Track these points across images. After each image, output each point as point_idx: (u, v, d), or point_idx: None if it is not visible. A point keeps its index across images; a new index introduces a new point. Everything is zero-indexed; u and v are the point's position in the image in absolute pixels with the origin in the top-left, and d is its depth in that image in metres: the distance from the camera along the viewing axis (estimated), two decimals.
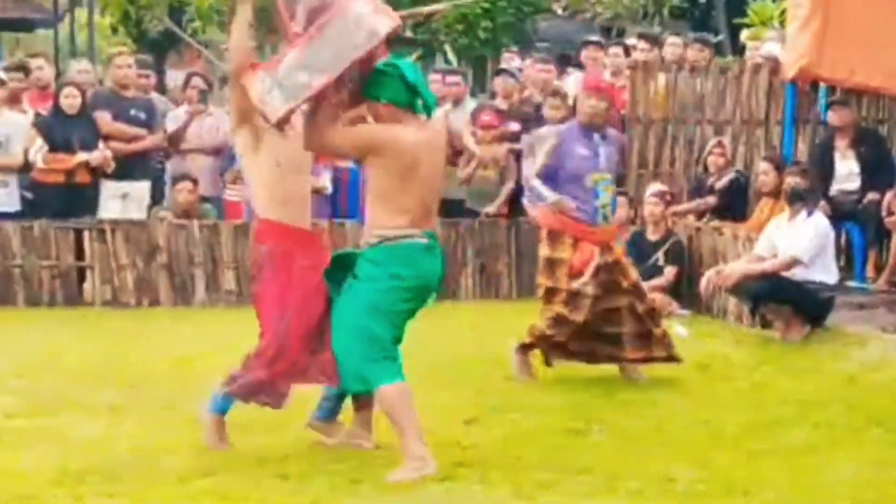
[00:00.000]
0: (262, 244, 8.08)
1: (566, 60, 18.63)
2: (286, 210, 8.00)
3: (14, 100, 14.77)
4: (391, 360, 7.66)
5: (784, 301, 11.70)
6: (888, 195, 13.45)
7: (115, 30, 31.98)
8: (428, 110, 7.71)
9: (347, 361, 7.64)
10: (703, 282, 12.20)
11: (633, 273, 10.51)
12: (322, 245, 8.56)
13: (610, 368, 10.54)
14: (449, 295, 14.31)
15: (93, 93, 15.10)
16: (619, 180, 13.34)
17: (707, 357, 11.06)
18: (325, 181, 14.84)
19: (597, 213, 10.16)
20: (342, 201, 15.13)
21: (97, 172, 14.68)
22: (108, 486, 7.29)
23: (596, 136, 10.33)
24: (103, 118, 14.67)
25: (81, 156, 14.40)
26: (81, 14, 33.27)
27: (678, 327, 12.29)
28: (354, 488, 7.35)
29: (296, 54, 7.42)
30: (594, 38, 18.86)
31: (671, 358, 10.41)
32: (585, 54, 16.89)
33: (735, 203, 14.36)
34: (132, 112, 14.95)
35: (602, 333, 10.33)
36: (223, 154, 15.16)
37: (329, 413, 8.29)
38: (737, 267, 12.10)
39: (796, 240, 11.81)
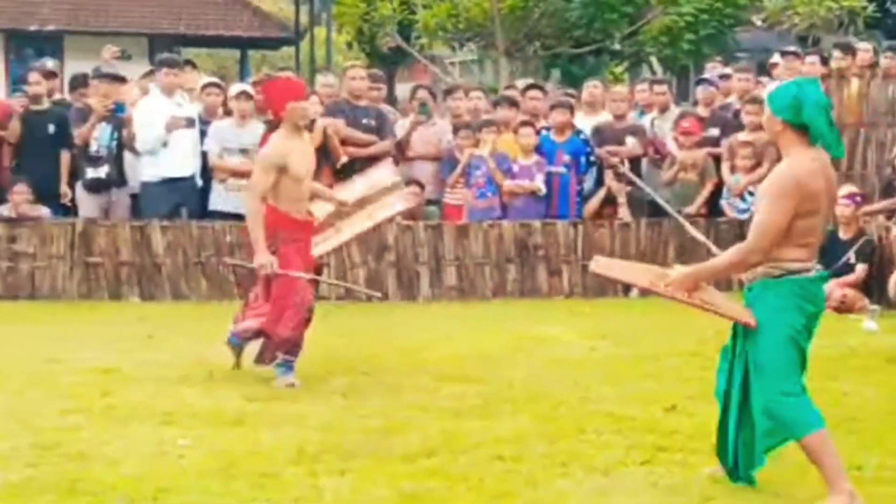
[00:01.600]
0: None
1: (764, 70, 18.45)
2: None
3: (262, 111, 15.01)
4: None
5: None
6: None
7: (350, 46, 32.54)
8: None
9: None
10: (892, 282, 11.99)
11: None
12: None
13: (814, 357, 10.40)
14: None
15: (328, 104, 15.36)
16: None
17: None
18: (540, 183, 14.94)
19: None
20: (555, 202, 15.16)
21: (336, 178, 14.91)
22: (341, 465, 7.43)
23: None
24: (336, 124, 14.83)
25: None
26: (320, 32, 33.85)
27: (868, 322, 12.13)
28: (564, 469, 7.40)
29: None
30: (791, 48, 18.65)
31: None
32: (783, 63, 16.71)
33: None
34: (364, 120, 15.11)
35: None
36: (444, 160, 15.31)
37: None
38: None
39: None
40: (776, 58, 17.51)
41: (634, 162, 15.39)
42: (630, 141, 15.32)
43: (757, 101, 15.00)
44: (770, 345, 6.79)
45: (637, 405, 8.92)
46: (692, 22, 24.15)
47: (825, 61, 16.56)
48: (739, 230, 14.57)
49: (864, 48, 17.00)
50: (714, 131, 15.36)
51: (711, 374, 10.01)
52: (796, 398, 6.76)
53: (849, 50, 16.98)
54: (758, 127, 14.68)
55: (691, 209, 14.91)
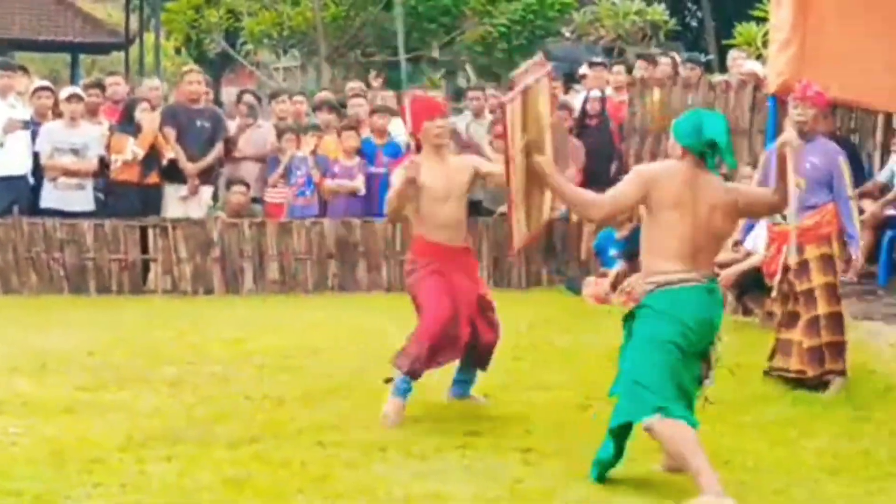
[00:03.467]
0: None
1: (572, 78, 18.68)
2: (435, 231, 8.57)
3: (92, 113, 14.88)
4: None
5: (765, 289, 11.65)
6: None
7: (178, 51, 32.13)
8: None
9: None
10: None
11: (819, 278, 9.47)
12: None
13: (614, 349, 10.52)
14: None
15: (165, 107, 15.28)
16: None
17: None
18: (360, 183, 14.98)
19: None
20: (374, 201, 15.18)
21: (163, 177, 14.81)
22: (168, 451, 7.36)
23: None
24: (170, 135, 14.76)
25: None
26: (149, 37, 33.43)
27: None
28: (382, 454, 7.40)
29: None
30: (598, 59, 18.92)
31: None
32: (591, 73, 16.94)
33: None
34: (199, 122, 15.03)
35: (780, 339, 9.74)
36: (268, 161, 15.30)
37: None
38: (731, 269, 12.00)
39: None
40: (584, 68, 17.73)
41: None
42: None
43: (566, 107, 15.23)
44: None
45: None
46: (505, 33, 24.30)
47: (629, 71, 16.84)
48: (548, 227, 14.73)
49: (665, 60, 17.33)
50: None
51: (523, 364, 10.20)
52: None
53: (651, 61, 17.29)
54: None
55: (505, 208, 14.96)
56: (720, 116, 7.07)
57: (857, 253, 9.71)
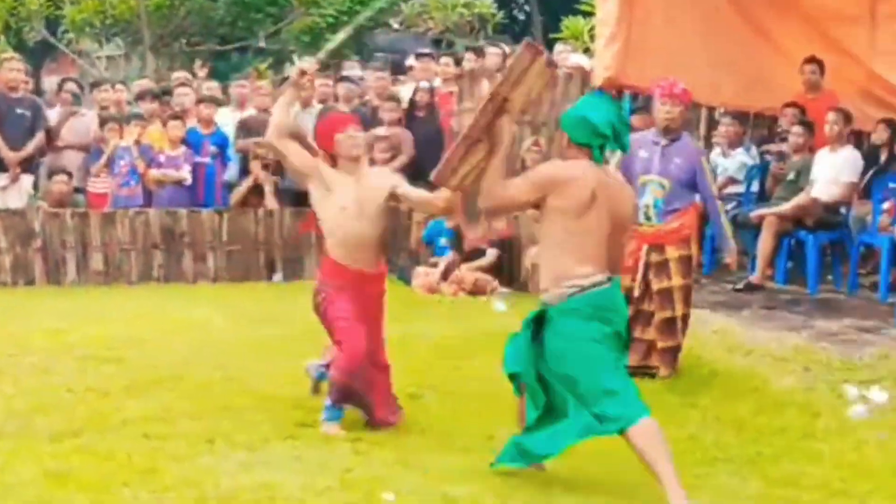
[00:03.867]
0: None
1: (400, 69, 18.65)
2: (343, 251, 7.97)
3: None
4: None
5: None
6: None
7: None
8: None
9: None
10: (529, 257, 12.22)
11: (674, 280, 9.53)
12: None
13: (444, 337, 10.53)
14: (296, 276, 14.60)
15: None
16: None
17: None
18: (186, 173, 14.78)
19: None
20: (200, 191, 15.00)
21: None
22: None
23: (664, 141, 9.57)
24: None
25: None
26: None
27: (497, 303, 12.36)
28: (209, 446, 7.28)
29: None
30: (426, 50, 18.90)
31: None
32: (419, 65, 16.93)
33: None
34: (18, 110, 14.74)
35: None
36: (91, 150, 15.02)
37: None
38: None
39: None
40: (412, 60, 17.70)
41: None
42: None
43: (394, 98, 15.21)
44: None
45: (282, 384, 8.83)
46: (333, 23, 24.19)
47: (458, 63, 16.84)
48: None
49: (494, 51, 17.36)
50: None
51: None
52: (618, 395, 6.43)
53: (480, 53, 17.32)
54: (394, 122, 14.89)
55: None
56: (606, 102, 6.74)
57: (732, 244, 9.78)
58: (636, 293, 9.48)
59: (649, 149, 9.57)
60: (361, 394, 7.82)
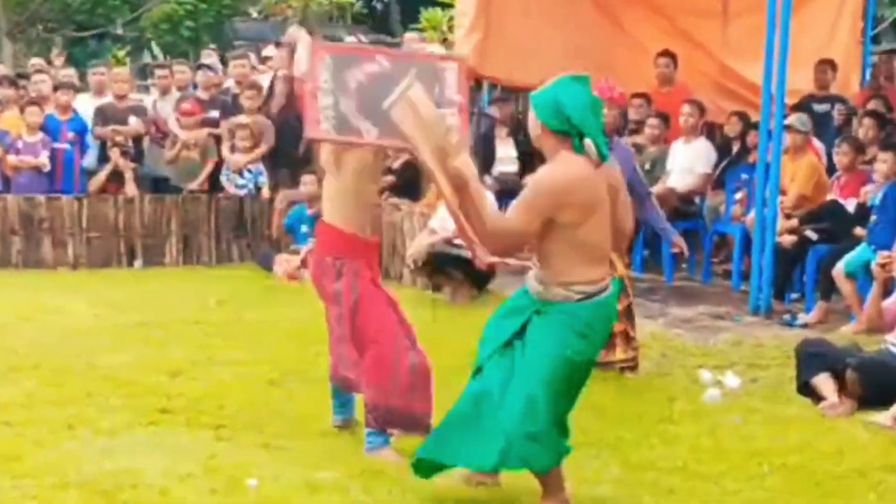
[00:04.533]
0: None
1: (260, 58, 18.52)
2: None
3: None
4: None
5: (457, 267, 11.76)
6: None
7: None
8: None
9: None
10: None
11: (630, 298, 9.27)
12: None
13: (305, 323, 10.47)
14: (156, 262, 14.39)
15: None
16: (307, 162, 13.60)
17: None
18: (44, 158, 14.52)
19: None
20: (59, 177, 14.76)
21: None
22: None
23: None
24: None
25: None
26: None
27: None
28: (71, 432, 7.19)
29: (364, 90, 6.43)
30: (282, 38, 18.81)
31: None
32: (278, 53, 16.82)
33: (411, 183, 14.39)
34: None
35: None
36: None
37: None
38: (422, 241, 12.09)
39: None
40: (270, 49, 17.60)
41: (137, 140, 15.14)
42: (132, 120, 15.05)
43: (255, 86, 15.11)
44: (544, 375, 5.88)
45: (143, 371, 8.73)
46: (192, 11, 23.97)
47: None
48: (239, 205, 14.63)
49: (352, 40, 17.40)
50: (214, 113, 15.26)
51: (214, 339, 10.04)
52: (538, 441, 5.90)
53: (339, 42, 17.25)
54: (256, 111, 14.78)
55: (194, 185, 14.77)
56: (580, 87, 5.93)
57: (678, 238, 9.77)
58: None
59: None
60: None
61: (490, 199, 6.41)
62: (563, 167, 5.82)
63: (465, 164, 5.89)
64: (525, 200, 5.84)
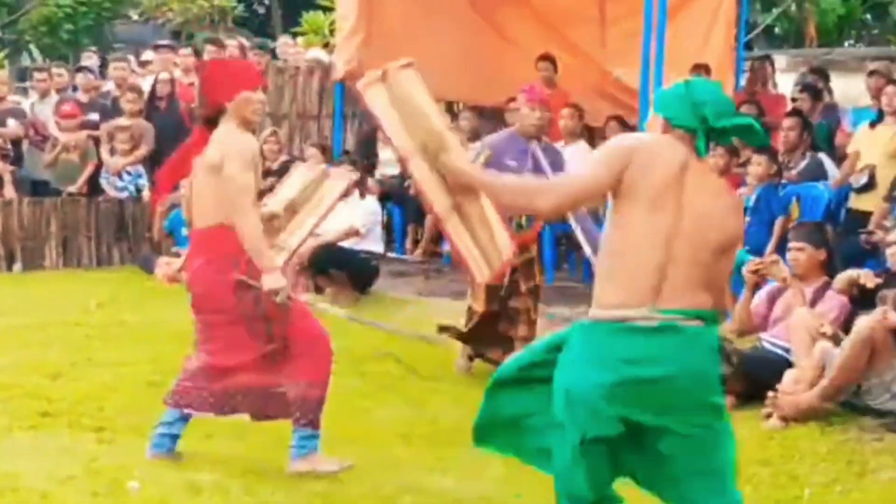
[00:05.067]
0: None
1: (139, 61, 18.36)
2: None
3: None
4: None
5: (340, 268, 11.76)
6: None
7: None
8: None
9: None
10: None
11: (537, 278, 9.37)
12: None
13: (186, 325, 10.35)
14: (36, 265, 14.22)
15: None
16: None
17: None
18: None
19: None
20: None
21: None
22: None
23: (531, 146, 9.11)
24: None
25: None
26: None
27: None
28: None
29: None
30: (166, 41, 18.66)
31: None
32: (158, 56, 16.69)
33: None
34: None
35: (498, 333, 9.28)
36: None
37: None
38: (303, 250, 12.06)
39: (351, 216, 11.98)
40: (149, 53, 17.46)
41: (16, 143, 14.93)
42: (11, 123, 14.83)
43: (134, 89, 14.97)
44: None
45: (23, 373, 8.60)
46: (71, 14, 23.66)
47: (198, 54, 16.65)
48: (119, 207, 14.46)
49: (233, 43, 17.31)
50: (94, 116, 15.09)
51: (95, 341, 9.94)
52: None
53: (219, 44, 17.15)
54: (135, 113, 14.63)
55: (74, 188, 14.59)
56: (710, 84, 5.16)
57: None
58: (503, 293, 9.22)
59: (518, 157, 9.04)
60: None
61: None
62: (653, 136, 5.01)
63: (456, 158, 5.38)
64: (596, 155, 5.13)
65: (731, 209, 4.89)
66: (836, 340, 7.82)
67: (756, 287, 8.66)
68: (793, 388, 7.79)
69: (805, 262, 8.45)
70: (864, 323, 7.60)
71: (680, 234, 4.71)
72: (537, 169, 8.97)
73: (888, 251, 8.24)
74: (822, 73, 13.91)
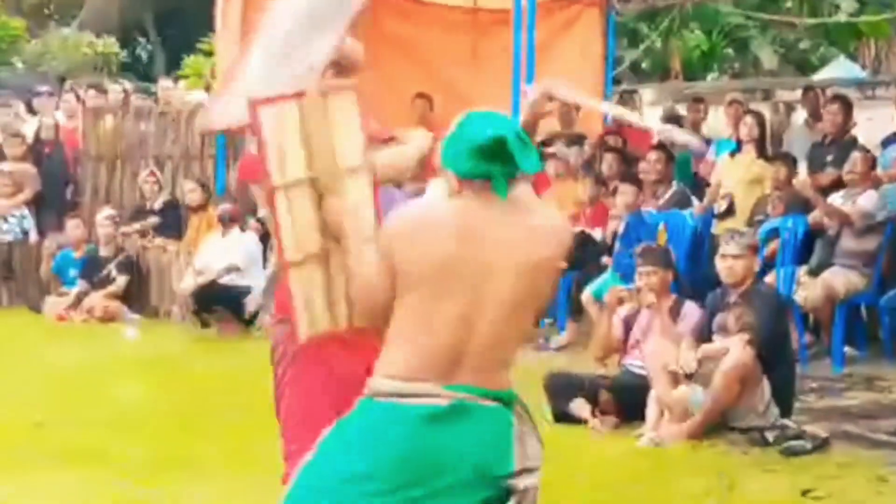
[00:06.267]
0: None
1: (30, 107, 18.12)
2: None
3: None
4: None
5: (222, 303, 11.69)
6: None
7: None
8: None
9: None
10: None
11: None
12: None
13: (75, 364, 10.20)
14: None
15: None
16: (73, 207, 13.47)
17: (157, 354, 10.84)
18: None
19: None
20: None
21: None
22: None
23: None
24: None
25: None
26: None
27: (129, 330, 12.11)
28: None
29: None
30: (46, 87, 18.45)
31: None
32: (37, 102, 16.53)
33: (172, 223, 14.16)
34: None
35: None
36: None
37: None
38: (188, 281, 12.19)
39: (232, 253, 11.93)
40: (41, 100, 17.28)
41: None
42: None
43: (17, 134, 14.83)
44: None
45: None
46: None
47: (80, 99, 16.50)
48: (7, 250, 14.33)
49: (116, 88, 17.23)
50: None
51: None
52: None
53: (102, 90, 17.02)
54: (19, 158, 14.46)
55: None
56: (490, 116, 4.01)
57: None
58: None
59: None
60: None
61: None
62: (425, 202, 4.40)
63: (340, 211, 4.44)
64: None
65: (541, 235, 3.91)
66: (690, 376, 7.91)
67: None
68: (659, 425, 7.89)
69: (657, 283, 8.55)
70: (730, 361, 7.69)
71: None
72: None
73: (719, 264, 8.33)
74: (701, 101, 14.11)
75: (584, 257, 11.13)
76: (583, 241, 11.35)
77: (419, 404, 3.75)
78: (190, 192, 13.81)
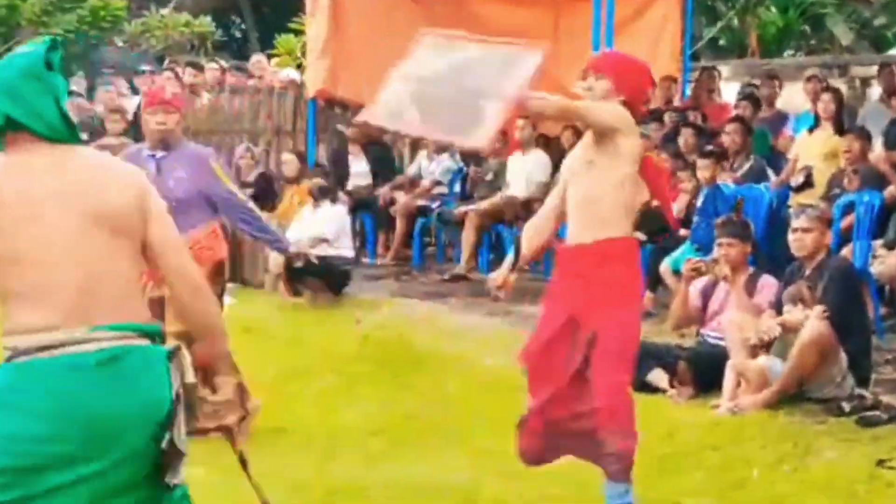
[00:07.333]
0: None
1: (132, 85, 18.34)
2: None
3: None
4: None
5: (313, 274, 11.71)
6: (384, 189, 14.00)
7: None
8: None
9: None
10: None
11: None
12: None
13: None
14: None
15: None
16: None
17: (250, 321, 10.90)
18: None
19: None
20: None
21: None
22: None
23: (161, 155, 7.35)
24: None
25: None
26: None
27: (225, 297, 12.18)
28: None
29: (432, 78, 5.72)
30: (148, 66, 18.67)
31: None
32: (138, 80, 16.72)
33: (266, 195, 14.19)
34: None
35: None
36: None
37: None
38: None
39: (322, 224, 11.93)
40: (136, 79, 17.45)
41: None
42: None
43: (119, 110, 14.94)
44: None
45: None
46: (63, 41, 23.51)
47: (178, 77, 16.63)
48: None
49: (213, 66, 17.32)
50: (83, 136, 14.99)
51: None
52: None
53: (199, 68, 17.16)
54: (120, 133, 14.54)
55: None
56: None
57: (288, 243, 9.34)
58: None
59: (145, 165, 7.03)
60: None
61: None
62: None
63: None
64: None
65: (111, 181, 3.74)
66: (768, 346, 7.82)
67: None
68: (736, 395, 7.80)
69: (735, 256, 8.45)
70: (809, 332, 7.57)
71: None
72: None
73: (790, 237, 8.22)
74: (776, 77, 13.91)
75: (663, 230, 11.03)
76: (658, 214, 11.24)
77: (64, 354, 3.47)
78: (287, 163, 13.84)
